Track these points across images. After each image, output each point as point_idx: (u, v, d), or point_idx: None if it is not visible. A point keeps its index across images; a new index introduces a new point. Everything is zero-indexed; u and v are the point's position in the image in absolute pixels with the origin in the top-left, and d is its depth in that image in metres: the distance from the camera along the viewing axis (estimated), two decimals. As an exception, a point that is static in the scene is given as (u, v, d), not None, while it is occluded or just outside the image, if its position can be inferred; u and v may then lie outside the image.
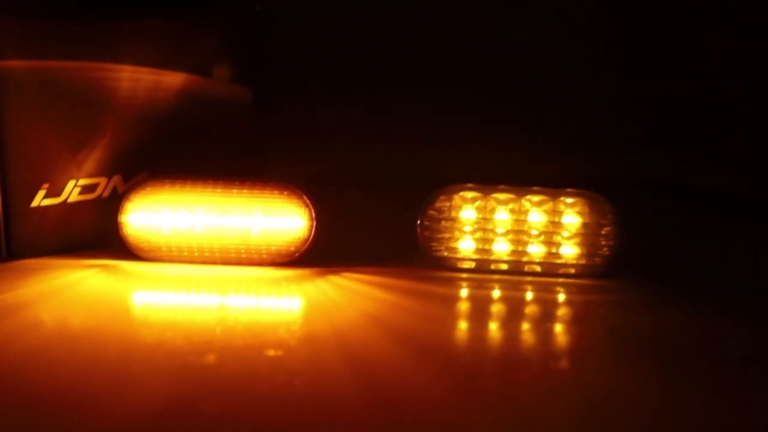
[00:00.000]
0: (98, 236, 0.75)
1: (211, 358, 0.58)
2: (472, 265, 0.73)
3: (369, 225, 0.82)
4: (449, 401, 0.53)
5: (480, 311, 0.69)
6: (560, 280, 0.72)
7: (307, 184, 0.74)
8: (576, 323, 0.67)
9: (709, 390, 0.55)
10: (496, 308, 0.70)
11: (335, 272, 0.73)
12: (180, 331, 0.62)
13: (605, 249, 0.71)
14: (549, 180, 0.73)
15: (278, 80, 0.81)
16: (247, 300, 0.70)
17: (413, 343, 0.61)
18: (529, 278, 0.73)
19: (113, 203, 0.74)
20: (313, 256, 0.74)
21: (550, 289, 0.71)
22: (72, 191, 0.74)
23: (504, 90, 1.04)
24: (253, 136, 0.80)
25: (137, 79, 0.74)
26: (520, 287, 0.72)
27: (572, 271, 0.72)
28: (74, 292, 0.69)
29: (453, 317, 0.68)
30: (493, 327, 0.67)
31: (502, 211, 0.72)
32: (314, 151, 0.95)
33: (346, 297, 0.69)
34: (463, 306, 0.70)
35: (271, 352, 0.58)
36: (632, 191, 0.96)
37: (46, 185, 0.72)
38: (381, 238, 0.80)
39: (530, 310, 0.70)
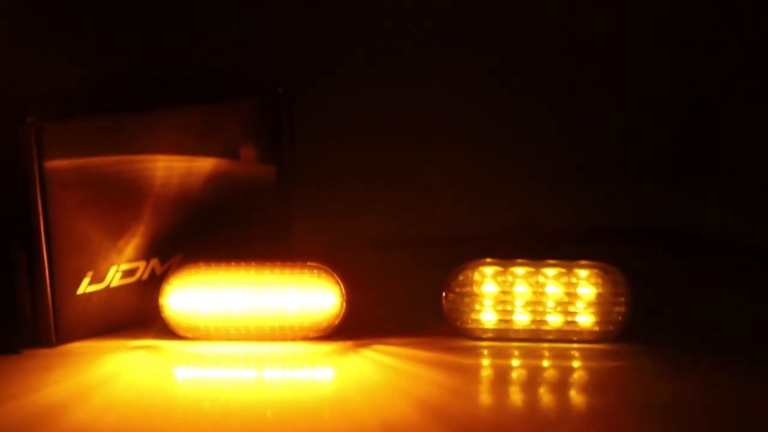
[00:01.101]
0: (139, 316, 0.79)
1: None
2: (494, 334, 0.78)
3: (394, 294, 0.86)
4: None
5: (504, 382, 0.75)
6: (576, 345, 0.78)
7: (336, 260, 0.78)
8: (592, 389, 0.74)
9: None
10: (518, 376, 0.76)
11: (366, 345, 0.78)
12: (233, 415, 0.67)
13: (618, 316, 0.77)
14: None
15: (301, 155, 0.85)
16: (289, 378, 0.75)
17: (445, 419, 0.67)
18: (548, 345, 0.78)
19: (152, 285, 0.78)
20: (345, 328, 0.78)
21: (567, 355, 0.77)
22: (114, 276, 0.78)
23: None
24: (280, 211, 0.85)
25: (171, 168, 0.78)
26: (539, 354, 0.77)
27: (587, 337, 0.77)
28: (126, 378, 0.73)
29: (479, 388, 0.74)
30: (517, 397, 0.73)
31: (521, 285, 0.77)
32: (336, 222, 0.99)
33: (378, 372, 0.74)
34: (488, 375, 0.76)
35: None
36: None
37: (90, 272, 0.76)
38: (406, 307, 0.84)
39: (550, 375, 0.76)
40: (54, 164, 0.72)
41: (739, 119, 1.16)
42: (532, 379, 0.75)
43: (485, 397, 0.73)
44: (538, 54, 1.11)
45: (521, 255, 0.78)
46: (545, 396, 0.74)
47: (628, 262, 0.79)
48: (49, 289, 0.74)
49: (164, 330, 0.78)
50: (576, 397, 0.74)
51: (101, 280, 0.77)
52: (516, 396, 0.73)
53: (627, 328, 0.77)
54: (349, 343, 0.78)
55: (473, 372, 0.76)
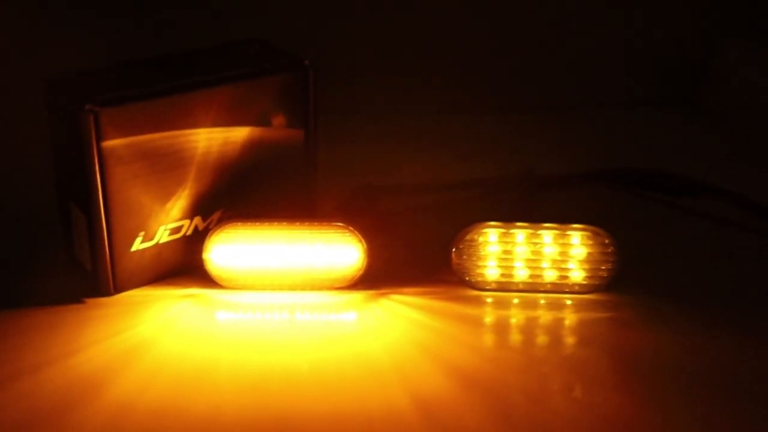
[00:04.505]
0: (185, 266, 0.90)
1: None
2: (497, 286, 0.89)
3: (409, 247, 0.97)
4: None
5: (504, 328, 0.87)
6: (568, 296, 0.89)
7: (360, 220, 0.89)
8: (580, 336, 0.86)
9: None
10: (516, 322, 0.87)
11: (384, 294, 0.89)
12: (269, 354, 0.81)
13: (605, 272, 0.87)
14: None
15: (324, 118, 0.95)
16: (317, 323, 0.87)
17: (451, 358, 0.80)
18: (543, 295, 0.89)
19: (195, 239, 0.89)
20: (365, 279, 0.90)
21: (560, 304, 0.88)
22: (162, 234, 0.88)
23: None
24: (307, 169, 0.95)
25: (211, 138, 0.87)
26: (535, 303, 0.89)
27: (578, 289, 0.88)
28: (175, 322, 0.85)
29: (482, 332, 0.86)
30: (517, 341, 0.85)
31: (521, 245, 0.87)
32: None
33: (394, 318, 0.86)
34: (490, 322, 0.87)
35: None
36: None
37: (142, 232, 0.87)
38: (419, 259, 0.95)
39: (544, 321, 0.88)
40: (109, 144, 0.82)
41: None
42: (528, 325, 0.87)
43: (486, 341, 0.85)
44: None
45: (521, 218, 0.88)
46: (539, 339, 0.86)
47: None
48: (107, 248, 0.85)
49: (207, 279, 0.89)
50: (565, 342, 0.85)
51: (152, 238, 0.88)
52: (513, 340, 0.86)
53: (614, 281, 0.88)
54: (369, 292, 0.90)
55: (477, 318, 0.87)
